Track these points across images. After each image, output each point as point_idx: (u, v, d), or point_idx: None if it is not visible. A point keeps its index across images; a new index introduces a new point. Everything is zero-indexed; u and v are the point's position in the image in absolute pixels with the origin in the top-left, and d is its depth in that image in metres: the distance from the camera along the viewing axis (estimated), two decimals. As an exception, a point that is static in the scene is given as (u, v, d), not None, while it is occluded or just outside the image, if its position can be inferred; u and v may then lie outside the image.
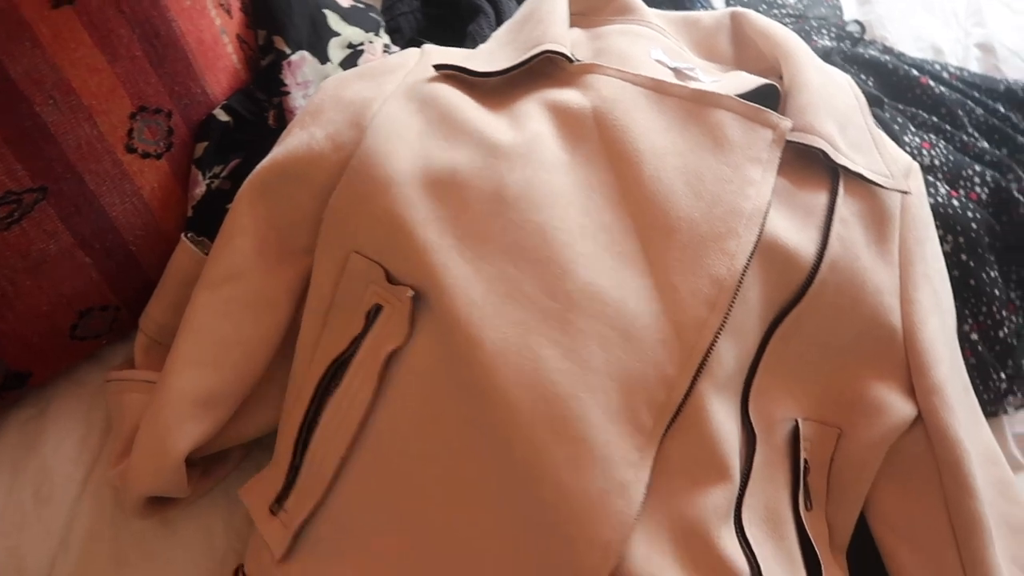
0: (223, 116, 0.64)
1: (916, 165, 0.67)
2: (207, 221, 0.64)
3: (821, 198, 0.59)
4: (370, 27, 0.74)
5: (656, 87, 0.59)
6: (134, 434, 0.59)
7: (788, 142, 0.57)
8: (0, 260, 0.56)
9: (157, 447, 0.56)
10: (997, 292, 0.76)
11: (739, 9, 0.73)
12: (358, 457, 0.53)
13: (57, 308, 0.60)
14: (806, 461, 0.59)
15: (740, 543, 0.52)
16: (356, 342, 0.54)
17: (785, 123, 0.57)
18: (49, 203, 0.57)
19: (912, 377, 0.60)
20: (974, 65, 1.00)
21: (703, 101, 0.58)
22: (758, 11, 0.93)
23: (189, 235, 0.63)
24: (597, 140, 0.57)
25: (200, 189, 0.64)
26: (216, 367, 0.58)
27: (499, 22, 0.80)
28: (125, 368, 0.65)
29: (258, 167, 0.60)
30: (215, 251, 0.60)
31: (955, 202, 0.76)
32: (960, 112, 0.86)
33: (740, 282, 0.52)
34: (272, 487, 0.56)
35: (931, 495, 0.60)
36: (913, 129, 0.81)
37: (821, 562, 0.57)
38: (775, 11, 0.94)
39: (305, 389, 0.56)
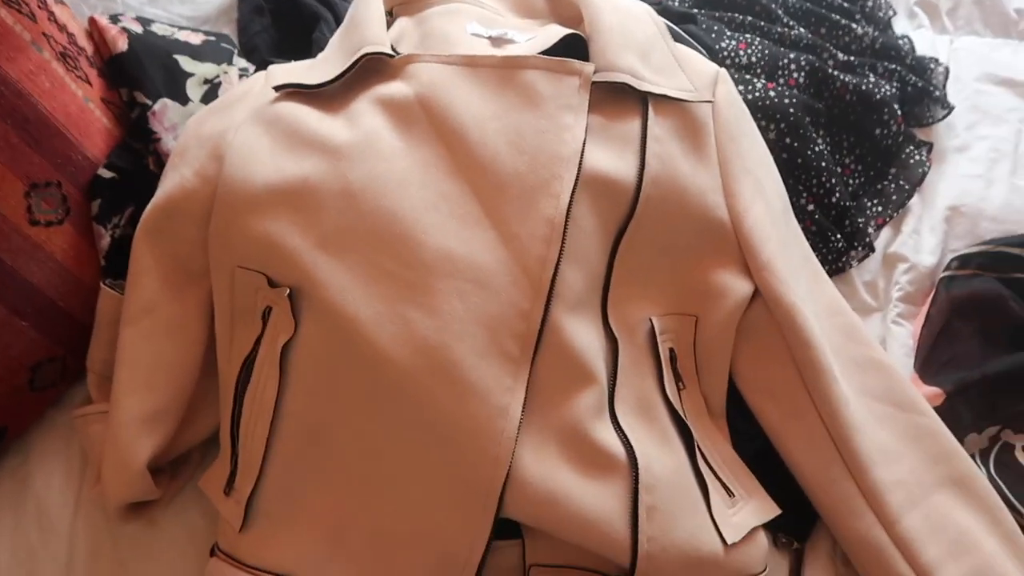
0: (107, 173, 0.73)
1: (723, 72, 0.74)
2: (120, 265, 0.72)
3: (635, 124, 0.67)
4: (222, 58, 0.81)
5: (468, 62, 0.66)
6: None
7: (595, 83, 0.65)
8: (-51, 342, 0.65)
9: (120, 464, 0.66)
10: (825, 164, 0.85)
11: (546, -35, 0.80)
12: (279, 436, 0.63)
13: (10, 369, 0.70)
14: (672, 350, 0.69)
15: (616, 431, 0.61)
16: (258, 342, 0.64)
17: (587, 68, 0.65)
18: (-23, 285, 0.66)
19: (745, 258, 0.70)
20: (787, -49, 1.06)
21: (512, 65, 0.65)
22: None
23: (108, 281, 0.73)
24: (425, 122, 0.64)
25: (105, 241, 0.73)
26: (151, 389, 0.68)
27: (338, 24, 0.87)
28: (86, 404, 0.75)
29: (145, 211, 0.69)
30: (128, 291, 0.69)
31: (772, 93, 0.85)
32: (773, 5, 0.94)
33: (568, 217, 0.61)
34: (222, 474, 0.67)
35: (780, 353, 0.70)
36: (729, 33, 0.89)
37: (692, 430, 0.67)
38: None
39: (228, 389, 0.66)
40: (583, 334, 0.62)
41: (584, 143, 0.63)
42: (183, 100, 0.77)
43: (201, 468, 0.74)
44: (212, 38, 0.85)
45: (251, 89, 0.71)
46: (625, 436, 0.61)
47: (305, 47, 0.86)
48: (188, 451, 0.74)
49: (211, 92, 0.78)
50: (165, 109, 0.75)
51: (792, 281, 0.70)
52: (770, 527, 0.69)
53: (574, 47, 0.70)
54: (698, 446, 0.67)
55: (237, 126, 0.68)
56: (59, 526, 0.73)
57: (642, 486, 0.60)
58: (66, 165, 0.70)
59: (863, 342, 0.73)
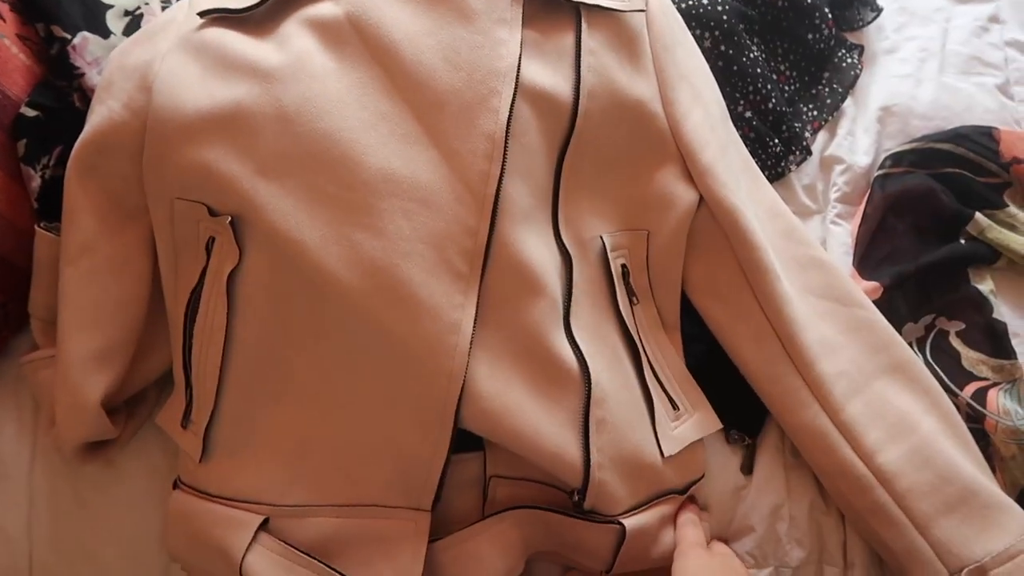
0: (31, 112, 0.70)
1: None
2: (54, 206, 0.70)
3: (568, 38, 0.66)
4: (143, -11, 0.78)
5: None
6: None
7: None
8: None
9: (73, 404, 0.66)
10: (760, 70, 0.86)
11: None
12: (232, 366, 0.63)
13: (-49, 319, 0.68)
14: (624, 266, 0.70)
15: (571, 346, 0.63)
16: (204, 273, 0.64)
17: None
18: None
19: (687, 165, 0.71)
20: None
21: None
22: None
23: (43, 224, 0.71)
24: (357, 42, 0.63)
25: (36, 182, 0.71)
26: (98, 327, 0.67)
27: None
28: (32, 351, 0.74)
29: (74, 148, 0.67)
30: (64, 231, 0.68)
31: (704, 1, 0.85)
32: (703, -87, 0.93)
33: (508, 131, 0.61)
34: (178, 407, 0.67)
35: (724, 256, 0.72)
36: (661, -58, 0.89)
37: (644, 345, 0.69)
38: None
39: (177, 323, 0.66)
40: (533, 248, 0.63)
41: (520, 58, 0.63)
42: (104, 33, 0.74)
43: (158, 406, 0.74)
44: (130, -31, 0.81)
45: (175, 17, 0.69)
46: (579, 350, 0.63)
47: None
48: (144, 390, 0.73)
49: (133, 23, 0.76)
50: (86, 43, 0.72)
51: (733, 185, 0.71)
52: (723, 424, 0.72)
53: None
54: (648, 361, 0.69)
55: (163, 55, 0.66)
56: (16, 474, 0.72)
57: (593, 399, 0.62)
58: (-15, 105, 0.68)
59: (803, 242, 0.75)
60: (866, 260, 0.82)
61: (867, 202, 0.84)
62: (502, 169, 0.61)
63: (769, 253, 0.71)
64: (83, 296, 0.67)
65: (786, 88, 0.91)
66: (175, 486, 0.68)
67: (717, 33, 0.85)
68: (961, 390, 0.75)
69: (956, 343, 0.78)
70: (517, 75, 0.62)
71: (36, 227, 0.70)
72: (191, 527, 0.64)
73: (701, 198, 0.71)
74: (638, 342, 0.69)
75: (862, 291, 0.75)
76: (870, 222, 0.83)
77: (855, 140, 0.89)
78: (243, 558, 0.60)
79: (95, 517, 0.71)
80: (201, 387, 0.65)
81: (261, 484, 0.63)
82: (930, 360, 0.77)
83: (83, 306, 0.67)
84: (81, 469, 0.72)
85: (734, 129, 0.79)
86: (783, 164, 0.86)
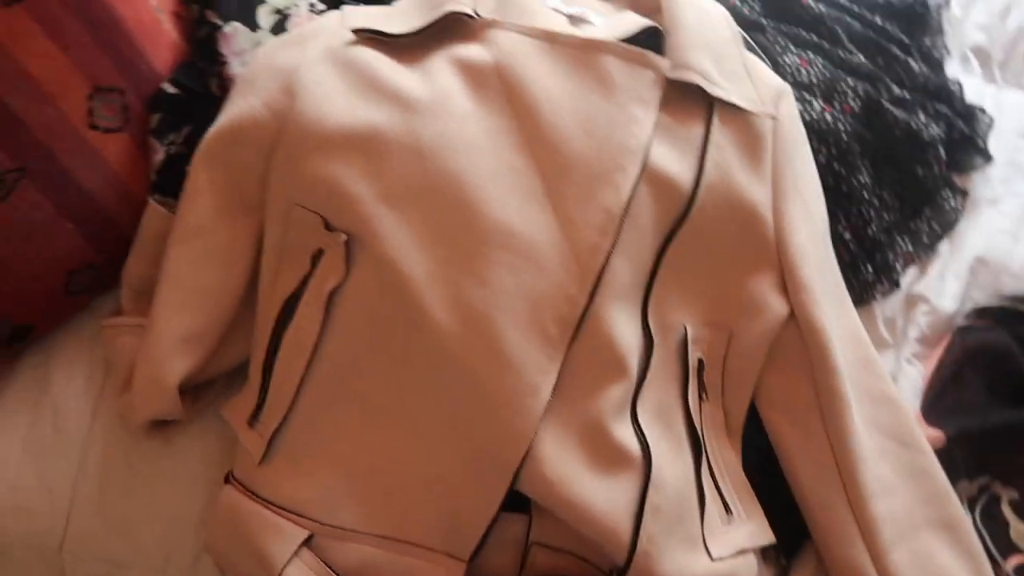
0: (171, 89, 0.72)
1: (787, 88, 0.75)
2: (170, 183, 0.72)
3: (699, 128, 0.67)
4: (296, -10, 0.80)
5: (549, 38, 0.66)
6: (130, 370, 0.70)
7: (667, 79, 0.65)
8: (-5, 233, 0.65)
9: (153, 380, 0.67)
10: (867, 195, 0.87)
11: (628, -49, 0.80)
12: (313, 377, 0.64)
13: (49, 270, 0.70)
14: (701, 360, 0.70)
15: (635, 430, 0.63)
16: (304, 282, 0.64)
17: (664, 64, 0.65)
18: (29, 180, 0.65)
19: (784, 277, 0.71)
20: (858, -22, 1.06)
21: (592, 48, 0.65)
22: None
23: (156, 197, 0.72)
24: (500, 91, 0.64)
25: (160, 156, 0.72)
26: (194, 310, 0.68)
27: (416, -26, 0.85)
28: (116, 315, 0.75)
29: (207, 133, 0.68)
30: (181, 210, 0.69)
31: (828, 116, 0.86)
32: (838, 28, 0.94)
33: (626, 210, 0.62)
34: (248, 405, 0.68)
35: (802, 374, 0.71)
36: (793, 49, 0.90)
37: (706, 443, 0.69)
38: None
39: (267, 324, 0.66)
40: (623, 327, 0.64)
41: (651, 139, 0.64)
42: (253, 26, 0.76)
43: (223, 395, 0.74)
44: (286, -33, 0.83)
45: (326, 27, 0.70)
46: (643, 434, 0.63)
47: (376, -8, 0.85)
48: (213, 377, 0.74)
49: (280, 23, 0.77)
50: (235, 33, 0.74)
51: (825, 305, 0.72)
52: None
53: (647, 38, 0.70)
54: (708, 460, 0.69)
55: (311, 63, 0.67)
56: (74, 429, 0.73)
57: (652, 485, 0.61)
58: (131, 73, 0.69)
59: (879, 375, 0.75)
60: (934, 407, 0.82)
61: (945, 349, 0.84)
62: (612, 245, 0.61)
63: (847, 381, 0.71)
64: (186, 277, 0.68)
65: (886, 216, 0.91)
66: (227, 480, 0.68)
67: (833, 151, 0.86)
68: (1005, 560, 0.75)
69: (1007, 511, 0.78)
70: (645, 156, 0.63)
71: (149, 199, 0.72)
72: (236, 525, 0.65)
73: (791, 312, 0.71)
74: (701, 438, 0.69)
75: (925, 437, 0.75)
76: (945, 370, 0.83)
77: (944, 283, 0.89)
78: (283, 570, 0.60)
79: (141, 492, 0.72)
80: (278, 392, 0.65)
81: (313, 498, 0.63)
82: (978, 523, 0.77)
83: (184, 287, 0.68)
84: (138, 442, 0.73)
85: (831, 248, 0.79)
86: (870, 292, 0.87)
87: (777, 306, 0.71)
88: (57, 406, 0.74)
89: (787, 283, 0.71)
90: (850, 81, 0.89)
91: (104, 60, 0.67)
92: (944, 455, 0.77)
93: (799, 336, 0.71)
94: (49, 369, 0.75)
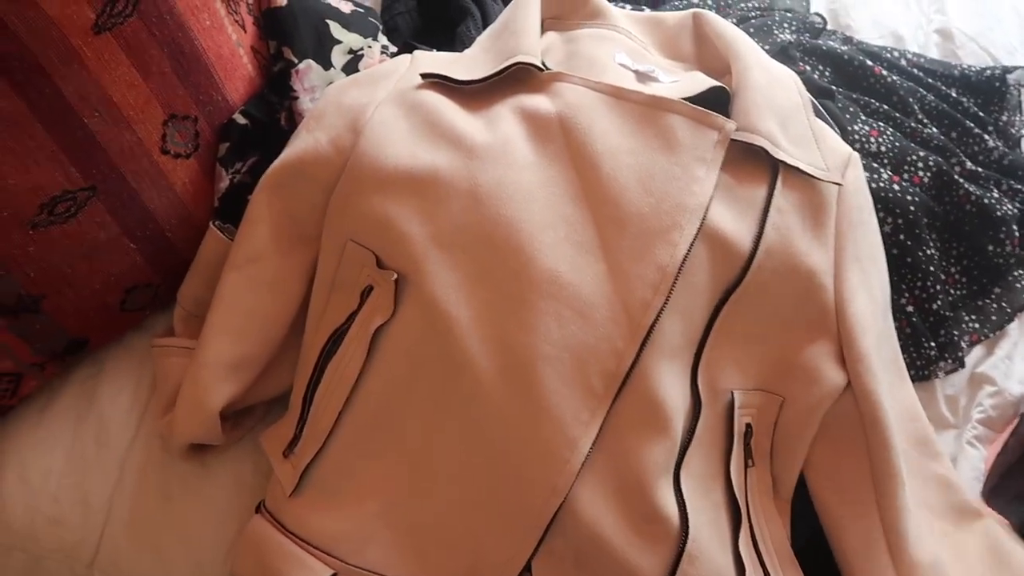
0: (242, 119, 0.74)
1: (855, 156, 0.74)
2: (232, 210, 0.74)
3: (761, 191, 0.66)
4: (369, 32, 0.83)
5: (615, 93, 0.66)
6: (176, 391, 0.71)
7: (732, 140, 0.65)
8: (61, 248, 0.67)
9: (197, 403, 0.68)
10: (932, 268, 0.84)
11: (700, 10, 0.80)
12: (351, 413, 0.64)
13: (108, 286, 0.71)
14: (749, 425, 0.68)
15: (675, 494, 0.61)
16: (352, 317, 0.65)
17: (729, 125, 0.64)
18: (99, 199, 0.67)
19: (842, 347, 0.69)
20: (933, 51, 1.05)
21: (657, 106, 0.65)
22: (729, 3, 1.00)
23: (217, 223, 0.74)
24: (562, 142, 0.65)
25: (224, 183, 0.74)
26: (243, 336, 0.69)
27: (485, 23, 0.88)
28: (167, 336, 0.76)
29: (272, 165, 0.70)
30: (239, 237, 0.71)
31: (896, 186, 0.84)
32: (911, 99, 0.93)
33: (680, 269, 0.61)
34: (285, 435, 0.68)
35: (856, 448, 0.69)
36: (863, 117, 0.89)
37: (749, 511, 0.66)
38: (744, 3, 1.01)
39: (311, 355, 0.67)
40: (670, 386, 0.62)
41: (711, 198, 0.63)
42: (326, 65, 0.78)
43: (263, 423, 0.75)
44: (360, 9, 0.86)
45: (396, 70, 0.72)
46: (683, 501, 0.61)
47: (446, 38, 0.87)
48: (254, 404, 0.75)
49: (352, 63, 0.80)
50: (308, 70, 0.76)
51: (883, 379, 0.69)
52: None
53: (714, 98, 0.70)
54: (751, 528, 0.66)
55: (378, 103, 0.69)
56: (116, 445, 0.74)
57: (686, 556, 0.59)
58: (206, 103, 0.72)
59: (934, 455, 0.72)
60: (998, 492, 0.78)
61: (1012, 433, 0.80)
62: (664, 302, 0.60)
63: (901, 458, 0.68)
64: (238, 303, 0.69)
65: (952, 292, 0.88)
66: (258, 509, 0.68)
67: (900, 221, 0.83)
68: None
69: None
70: (704, 215, 0.62)
71: (211, 224, 0.73)
72: (262, 556, 0.64)
73: (848, 382, 0.69)
74: (743, 506, 0.66)
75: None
76: (1010, 454, 0.79)
77: (1012, 365, 0.85)
78: None
79: (175, 514, 0.72)
80: (315, 424, 0.65)
81: (340, 536, 0.63)
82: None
83: (235, 313, 0.69)
84: (176, 464, 0.73)
85: (892, 320, 0.76)
86: (932, 368, 0.83)
87: (834, 375, 0.69)
88: (103, 420, 0.75)
89: (844, 353, 0.69)
90: (921, 152, 0.87)
91: (182, 89, 0.69)
92: (1008, 547, 0.73)
93: (853, 408, 0.69)
94: (98, 383, 0.76)
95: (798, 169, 0.67)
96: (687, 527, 0.60)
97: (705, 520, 0.63)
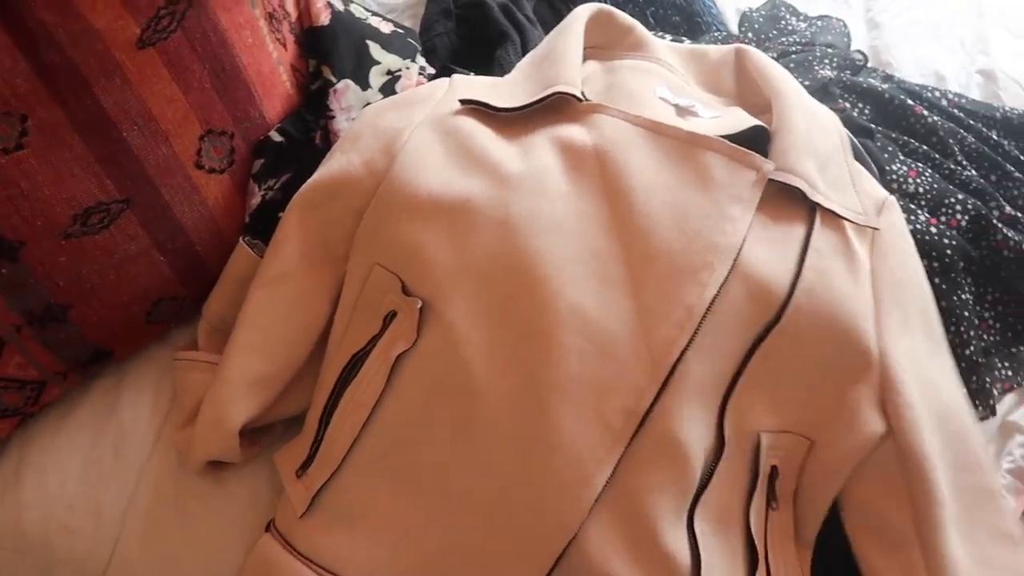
0: (277, 137, 0.74)
1: (892, 199, 0.72)
2: (262, 227, 0.74)
3: (798, 231, 0.65)
4: (407, 53, 0.83)
5: (654, 128, 0.66)
6: (196, 406, 0.71)
7: (770, 180, 0.64)
8: (92, 258, 0.67)
9: (217, 421, 0.67)
10: (967, 313, 0.82)
11: (743, 46, 0.79)
12: (367, 437, 0.63)
13: (135, 298, 0.71)
14: (775, 468, 0.66)
15: (688, 536, 0.59)
16: (373, 341, 0.64)
17: (767, 166, 0.63)
18: (132, 211, 0.67)
19: (884, 394, 0.66)
20: (975, 92, 1.04)
21: (695, 143, 0.64)
22: (770, 36, 0.99)
23: (246, 239, 0.74)
24: (597, 174, 0.64)
25: (256, 199, 0.74)
26: (267, 354, 0.68)
27: (524, 48, 0.87)
28: (190, 349, 0.76)
29: (305, 184, 0.70)
30: (268, 254, 0.70)
31: (933, 229, 0.82)
32: (951, 141, 0.91)
33: (710, 308, 0.60)
34: (299, 455, 0.67)
35: (899, 496, 0.65)
36: (902, 157, 0.87)
37: (769, 555, 0.64)
38: (785, 38, 1.00)
39: (331, 377, 0.66)
40: (691, 428, 0.61)
41: (744, 239, 0.62)
42: (364, 85, 0.78)
43: (281, 440, 0.74)
44: (400, 30, 0.86)
45: (434, 94, 0.72)
46: (695, 544, 0.60)
47: (484, 61, 0.87)
48: (272, 422, 0.74)
49: (390, 84, 0.80)
50: (347, 89, 0.76)
51: (929, 429, 0.66)
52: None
53: (753, 136, 0.69)
54: (768, 571, 0.64)
55: (414, 127, 0.68)
56: (134, 457, 0.74)
57: None
58: (243, 120, 0.72)
59: (994, 510, 0.68)
60: (1026, 549, 0.75)
61: (1043, 488, 0.78)
62: (689, 342, 0.59)
63: (949, 513, 0.64)
64: (263, 320, 0.69)
65: (985, 338, 0.86)
66: (267, 528, 0.67)
67: (935, 264, 0.82)
68: None
69: None
70: (737, 255, 0.61)
71: (240, 240, 0.73)
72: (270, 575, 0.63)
73: (888, 430, 0.66)
74: (760, 550, 0.65)
75: None
76: (1040, 509, 0.77)
77: (1046, 416, 0.83)
78: None
79: (188, 528, 0.72)
80: (330, 447, 0.65)
81: (349, 561, 0.62)
82: None
83: (260, 330, 0.69)
84: (192, 478, 0.72)
85: (952, 365, 0.72)
86: (964, 416, 0.81)
87: (873, 423, 0.66)
88: (122, 431, 0.74)
89: (886, 399, 0.66)
90: (960, 195, 0.86)
91: (220, 105, 0.69)
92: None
93: (895, 456, 0.66)
94: (119, 393, 0.76)
95: (834, 213, 0.66)
96: (699, 568, 0.59)
97: (719, 563, 0.61)
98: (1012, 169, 0.93)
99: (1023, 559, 0.67)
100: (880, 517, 0.67)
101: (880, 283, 0.69)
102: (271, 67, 0.73)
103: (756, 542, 0.64)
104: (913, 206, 0.84)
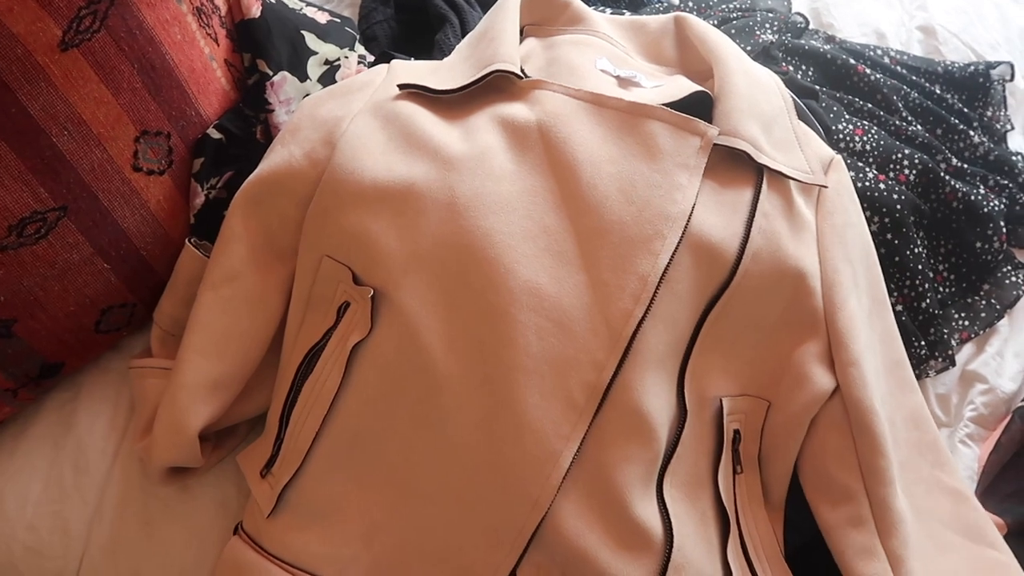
0: (216, 134, 0.73)
1: (838, 158, 0.73)
2: (208, 227, 0.72)
3: (746, 195, 0.65)
4: (345, 42, 0.81)
5: (596, 100, 0.65)
6: (154, 413, 0.69)
7: (715, 145, 0.64)
8: (32, 270, 0.65)
9: (175, 425, 0.66)
10: (920, 267, 0.83)
11: (682, 14, 0.79)
12: (329, 432, 0.62)
13: (82, 308, 0.70)
14: (737, 431, 0.67)
15: (659, 505, 0.60)
16: (328, 333, 0.63)
17: (711, 131, 0.63)
18: (70, 219, 0.66)
19: (832, 351, 0.67)
20: (916, 48, 1.05)
21: (637, 112, 0.64)
22: (710, 4, 0.99)
23: (192, 240, 0.72)
24: (541, 151, 0.64)
25: (200, 199, 0.73)
26: (220, 356, 0.67)
27: (464, 30, 0.87)
28: (144, 356, 0.75)
29: (247, 181, 0.69)
30: (214, 255, 0.69)
31: (882, 185, 0.83)
32: (895, 97, 0.92)
33: (663, 277, 0.60)
34: (263, 455, 0.66)
35: (847, 457, 0.67)
36: (847, 116, 0.88)
37: (739, 517, 0.65)
38: (725, 4, 1.00)
39: (288, 373, 0.66)
40: (653, 398, 0.61)
41: (693, 206, 0.62)
42: (302, 76, 0.77)
43: (245, 442, 0.73)
44: (337, 20, 0.85)
45: (373, 81, 0.71)
46: (666, 511, 0.60)
47: (425, 46, 0.86)
48: (235, 424, 0.73)
49: (329, 74, 0.78)
50: (284, 81, 0.75)
51: (875, 384, 0.68)
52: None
53: (696, 102, 0.69)
54: (740, 535, 0.65)
55: (353, 115, 0.67)
56: (95, 470, 0.72)
57: (671, 566, 0.59)
58: (179, 118, 0.70)
59: (940, 464, 0.70)
60: (991, 491, 0.77)
61: (1004, 430, 0.79)
62: (646, 312, 0.59)
63: (894, 464, 0.66)
64: (215, 323, 0.67)
65: (941, 290, 0.88)
66: (236, 531, 0.67)
67: (887, 220, 0.83)
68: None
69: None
70: (687, 223, 0.61)
71: (187, 242, 0.72)
72: (240, 579, 0.63)
73: (836, 386, 0.68)
74: (731, 514, 0.65)
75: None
76: (1003, 452, 0.78)
77: (1003, 362, 0.84)
78: None
79: (155, 538, 0.71)
80: (292, 444, 0.64)
81: (321, 556, 0.62)
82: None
83: (212, 333, 0.67)
84: (156, 488, 0.71)
85: (893, 322, 0.74)
86: (923, 367, 0.83)
87: (822, 379, 0.67)
88: (80, 445, 0.73)
89: (834, 357, 0.68)
90: (906, 150, 0.87)
91: (153, 105, 0.68)
92: (1004, 547, 0.72)
93: (843, 414, 0.67)
94: (75, 407, 0.75)
95: (781, 173, 0.66)
96: (671, 537, 0.59)
97: (691, 529, 0.62)
98: (956, 122, 0.94)
99: (966, 512, 0.68)
100: (826, 472, 0.68)
101: (826, 242, 0.69)
102: (204, 63, 0.72)
103: (727, 507, 0.64)
104: (861, 164, 0.85)
